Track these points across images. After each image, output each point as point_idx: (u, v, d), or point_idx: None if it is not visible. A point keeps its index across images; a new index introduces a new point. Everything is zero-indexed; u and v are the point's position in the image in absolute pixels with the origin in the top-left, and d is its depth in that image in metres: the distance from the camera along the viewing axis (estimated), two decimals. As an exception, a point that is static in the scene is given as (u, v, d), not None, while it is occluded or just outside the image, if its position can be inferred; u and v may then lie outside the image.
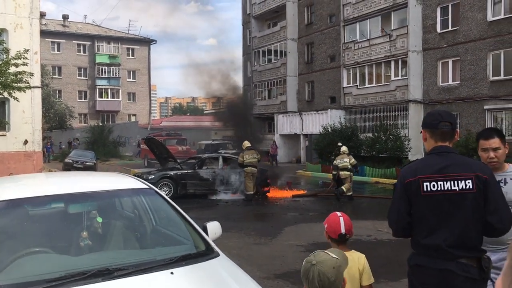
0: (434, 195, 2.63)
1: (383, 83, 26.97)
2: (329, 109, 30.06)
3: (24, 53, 15.86)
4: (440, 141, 2.75)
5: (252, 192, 14.71)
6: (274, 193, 16.17)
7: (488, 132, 3.25)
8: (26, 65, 16.29)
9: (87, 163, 25.87)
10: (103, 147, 37.09)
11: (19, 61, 15.60)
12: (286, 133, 34.24)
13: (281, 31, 35.29)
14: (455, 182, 2.60)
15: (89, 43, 52.77)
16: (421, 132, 2.91)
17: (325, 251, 2.19)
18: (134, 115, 54.97)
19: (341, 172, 14.75)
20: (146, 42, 56.40)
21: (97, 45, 52.99)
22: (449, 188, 2.61)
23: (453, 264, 2.58)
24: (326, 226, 3.10)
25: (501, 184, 3.06)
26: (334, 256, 2.13)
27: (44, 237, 3.38)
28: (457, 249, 2.59)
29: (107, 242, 3.54)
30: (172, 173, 14.88)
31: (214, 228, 3.74)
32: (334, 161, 15.28)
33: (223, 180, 15.03)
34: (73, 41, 52.16)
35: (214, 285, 2.92)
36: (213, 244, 3.46)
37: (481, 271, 2.58)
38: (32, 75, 17.12)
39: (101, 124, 44.33)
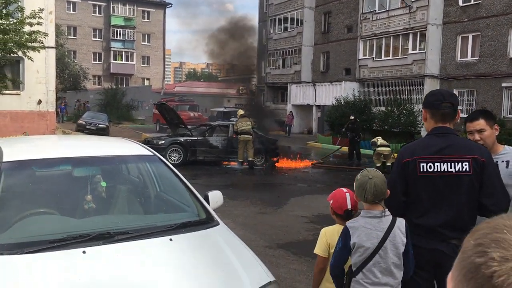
0: (431, 176, 2.64)
1: (399, 56, 26.52)
2: (343, 81, 29.74)
3: (39, 12, 15.80)
4: (440, 122, 2.74)
5: (241, 160, 14.75)
6: (283, 163, 16.23)
7: (473, 114, 3.19)
8: (41, 24, 16.24)
9: (100, 125, 26.09)
10: (116, 110, 37.30)
11: (33, 21, 15.56)
12: (298, 104, 34.06)
13: (299, -1, 34.65)
14: (452, 164, 2.62)
15: (104, 4, 52.34)
16: (421, 111, 2.90)
17: (367, 169, 2.76)
18: (148, 79, 54.99)
19: (382, 149, 14.80)
20: (162, 5, 55.78)
21: (113, 7, 52.56)
22: (446, 170, 2.62)
23: (444, 245, 2.61)
24: (331, 202, 3.09)
25: None
26: (380, 173, 2.70)
27: (49, 199, 3.46)
28: (450, 231, 2.61)
29: (111, 206, 3.62)
30: (182, 139, 14.96)
31: (215, 197, 3.79)
32: (373, 139, 15.60)
33: (233, 148, 15.09)
34: (89, 1, 51.76)
35: (210, 253, 2.98)
36: (213, 213, 3.52)
37: None
38: (47, 35, 17.09)
39: (114, 87, 44.41)
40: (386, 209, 2.64)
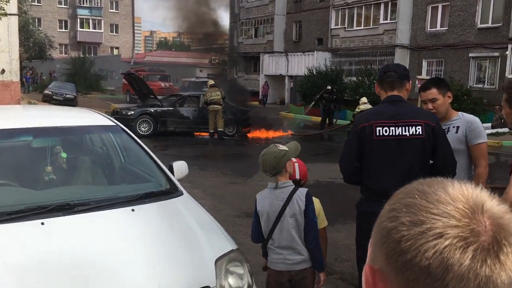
0: (386, 139, 2.76)
1: (371, 26, 26.54)
2: (315, 51, 29.66)
3: (-1, -23, 15.07)
4: (389, 90, 2.89)
5: (212, 131, 14.66)
6: (255, 134, 16.25)
7: (425, 84, 3.29)
8: (1, -10, 15.52)
9: (67, 96, 25.48)
10: (84, 80, 36.35)
11: (-7, -14, 14.85)
12: (271, 74, 33.90)
13: (271, -34, 34.00)
14: (406, 128, 2.75)
15: (70, -31, 50.27)
16: (375, 81, 3.05)
17: (278, 144, 2.90)
18: (117, 48, 53.54)
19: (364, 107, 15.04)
20: (130, -30, 53.91)
21: (79, -28, 50.55)
22: (400, 134, 2.75)
23: None
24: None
25: None
26: (281, 148, 2.84)
27: (8, 170, 3.38)
28: (399, 185, 2.70)
29: (72, 177, 3.56)
30: (152, 110, 14.75)
31: (180, 167, 3.76)
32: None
33: (204, 119, 14.97)
34: (53, -34, 49.60)
35: (172, 223, 2.99)
36: (177, 183, 3.50)
37: None
38: (8, 1, 16.36)
39: (82, 56, 43.15)
40: (288, 181, 2.86)
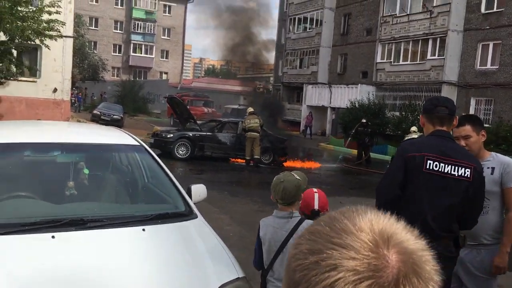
0: (434, 174, 2.69)
1: (418, 62, 26.15)
2: (359, 84, 29.46)
3: (58, 1, 15.99)
4: (438, 125, 2.79)
5: (248, 158, 14.65)
6: (291, 163, 16.14)
7: (459, 120, 3.14)
8: (59, 13, 16.45)
9: (114, 117, 26.34)
10: (132, 102, 37.57)
11: (52, 9, 15.75)
12: (314, 105, 33.85)
13: (319, -1, 34.44)
14: (456, 167, 2.69)
15: (126, -4, 52.83)
16: (419, 117, 2.98)
17: (292, 172, 2.88)
18: (166, 73, 55.27)
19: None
20: (183, 0, 56.02)
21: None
22: (449, 172, 2.69)
23: (437, 244, 2.65)
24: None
25: None
26: (297, 177, 2.80)
27: (30, 183, 3.48)
28: (441, 229, 2.69)
29: (92, 193, 3.63)
30: (190, 134, 14.98)
31: (198, 190, 3.76)
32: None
33: (241, 145, 15.04)
34: (111, -7, 52.28)
35: (181, 245, 2.97)
36: (193, 206, 3.49)
37: (457, 248, 2.79)
38: (64, 24, 17.30)
39: (132, 79, 44.78)
40: (296, 211, 2.80)
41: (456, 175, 2.67)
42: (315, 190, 3.05)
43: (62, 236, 2.73)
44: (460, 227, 2.78)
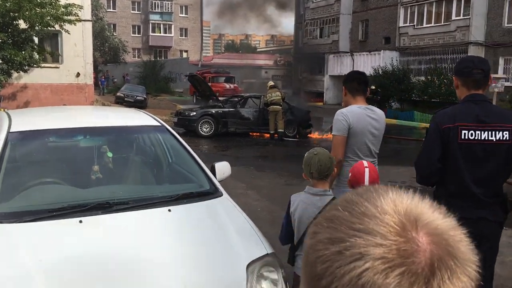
0: (471, 143, 2.63)
1: (442, 23, 25.30)
2: (382, 50, 28.76)
3: (74, -15, 16.01)
4: (473, 89, 2.71)
5: (273, 131, 14.56)
6: (316, 134, 16.01)
7: None
8: (76, -3, 16.50)
9: (138, 98, 26.53)
10: (154, 83, 37.72)
11: (69, -6, 15.80)
12: (336, 74, 33.33)
13: (337, -35, 33.43)
14: (493, 132, 2.62)
15: (142, -24, 52.50)
16: (445, 80, 2.85)
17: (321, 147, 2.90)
18: (186, 51, 55.15)
19: None
20: (199, -24, 55.37)
21: (151, -21, 52.67)
22: (486, 138, 2.63)
23: (486, 212, 2.65)
24: (350, 174, 2.99)
25: None
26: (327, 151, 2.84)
27: (55, 168, 3.51)
28: (487, 196, 2.65)
29: (117, 176, 3.64)
30: (213, 111, 14.97)
31: (222, 168, 3.73)
32: None
33: (265, 120, 14.96)
34: (127, -26, 52.03)
35: (208, 224, 2.96)
36: (218, 184, 3.47)
37: (505, 213, 2.75)
38: (82, 8, 17.33)
39: (153, 59, 44.86)
40: (330, 189, 2.79)
41: (494, 140, 2.61)
42: (365, 164, 2.92)
43: (90, 220, 2.75)
44: None
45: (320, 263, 0.47)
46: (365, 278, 0.45)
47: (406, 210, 0.48)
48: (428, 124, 2.88)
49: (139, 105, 24.27)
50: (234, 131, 15.04)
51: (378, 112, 3.50)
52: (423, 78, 24.15)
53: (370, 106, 3.49)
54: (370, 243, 0.46)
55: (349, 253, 0.46)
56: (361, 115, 3.38)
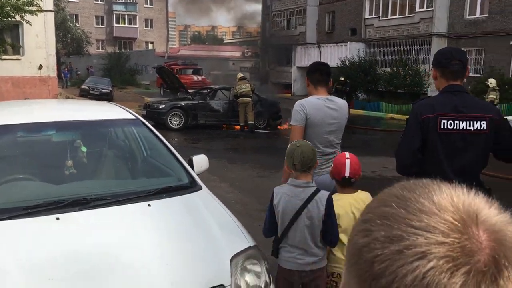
0: (450, 133, 2.68)
1: (406, 15, 25.77)
2: (348, 42, 29.08)
3: (35, -26, 15.41)
4: (451, 79, 2.76)
5: (243, 123, 14.57)
6: (286, 126, 16.07)
7: None
8: (37, -13, 15.89)
9: (103, 90, 25.97)
10: (119, 75, 36.98)
11: (29, -17, 15.21)
12: (303, 66, 33.48)
13: (303, -44, 33.50)
14: (471, 122, 2.67)
15: (105, -35, 51.14)
16: (431, 70, 2.92)
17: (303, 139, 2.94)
18: (152, 42, 54.20)
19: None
20: (164, -35, 54.39)
21: (114, -32, 51.36)
22: (465, 128, 2.68)
23: None
24: (331, 166, 3.02)
25: None
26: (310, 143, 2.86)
27: (28, 164, 3.39)
28: (466, 185, 2.64)
29: (92, 171, 3.55)
30: (183, 103, 14.80)
31: (200, 161, 3.69)
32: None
33: (235, 112, 14.91)
34: (89, -37, 50.57)
35: (189, 218, 2.92)
36: (196, 178, 3.44)
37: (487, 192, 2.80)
38: (43, -2, 16.74)
39: (118, 51, 43.91)
40: (312, 181, 2.78)
41: (472, 129, 2.66)
42: (347, 155, 2.95)
43: (67, 217, 2.67)
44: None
45: (378, 263, 0.46)
46: (429, 278, 0.44)
47: (464, 206, 0.48)
48: (400, 115, 2.93)
49: (105, 98, 23.73)
50: (204, 124, 14.93)
51: (339, 103, 3.55)
52: (388, 69, 24.61)
53: (331, 97, 3.55)
54: (431, 241, 0.45)
55: (411, 252, 0.45)
56: (320, 106, 3.46)
